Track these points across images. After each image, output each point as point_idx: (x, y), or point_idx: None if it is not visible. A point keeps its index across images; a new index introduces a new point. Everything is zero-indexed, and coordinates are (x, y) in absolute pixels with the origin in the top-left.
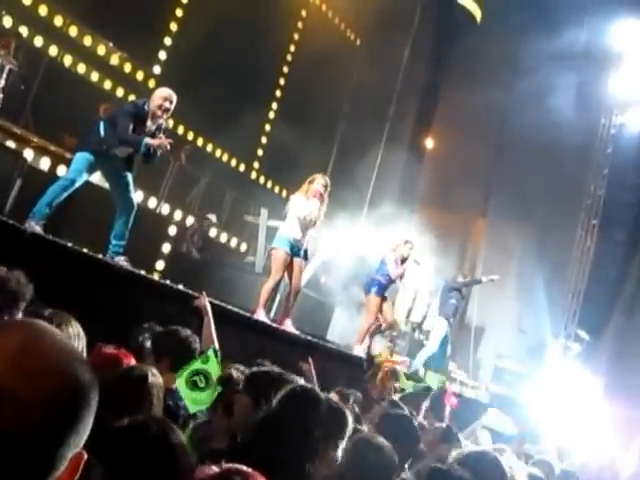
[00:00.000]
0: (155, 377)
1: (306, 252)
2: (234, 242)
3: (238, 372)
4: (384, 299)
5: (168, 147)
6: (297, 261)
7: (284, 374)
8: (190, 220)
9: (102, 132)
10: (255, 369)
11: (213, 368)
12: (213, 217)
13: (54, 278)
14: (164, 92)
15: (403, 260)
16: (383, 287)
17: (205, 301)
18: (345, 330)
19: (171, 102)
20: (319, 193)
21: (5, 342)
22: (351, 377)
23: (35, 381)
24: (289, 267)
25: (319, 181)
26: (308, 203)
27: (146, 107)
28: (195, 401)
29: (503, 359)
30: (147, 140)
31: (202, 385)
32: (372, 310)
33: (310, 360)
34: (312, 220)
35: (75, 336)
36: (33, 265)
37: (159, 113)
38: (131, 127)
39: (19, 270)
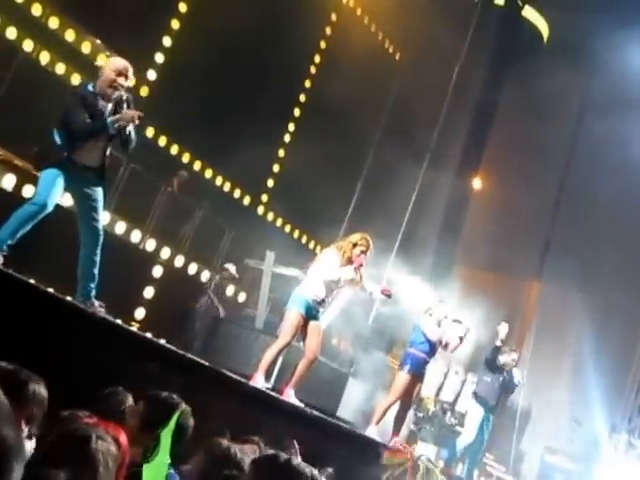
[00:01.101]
0: (105, 443)
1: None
2: (230, 290)
3: (234, 448)
4: (418, 378)
5: (137, 119)
6: (314, 324)
7: (295, 464)
8: (206, 274)
9: (58, 139)
10: (261, 455)
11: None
12: (232, 268)
13: (12, 322)
14: (116, 63)
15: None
16: (418, 363)
17: None
18: (360, 405)
19: (127, 77)
20: (359, 263)
21: None
22: (360, 463)
23: None
24: (304, 330)
25: (362, 247)
26: (342, 268)
27: (90, 88)
28: None
29: (553, 454)
30: (110, 119)
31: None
32: (397, 389)
33: (296, 446)
34: (341, 286)
35: (35, 397)
36: None
37: (110, 92)
38: (86, 117)
39: None
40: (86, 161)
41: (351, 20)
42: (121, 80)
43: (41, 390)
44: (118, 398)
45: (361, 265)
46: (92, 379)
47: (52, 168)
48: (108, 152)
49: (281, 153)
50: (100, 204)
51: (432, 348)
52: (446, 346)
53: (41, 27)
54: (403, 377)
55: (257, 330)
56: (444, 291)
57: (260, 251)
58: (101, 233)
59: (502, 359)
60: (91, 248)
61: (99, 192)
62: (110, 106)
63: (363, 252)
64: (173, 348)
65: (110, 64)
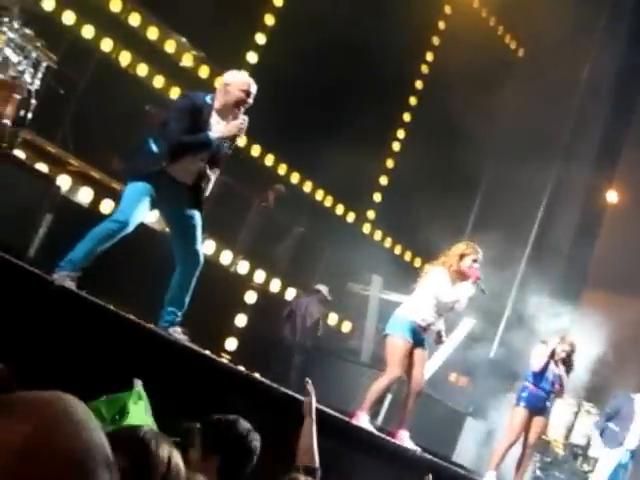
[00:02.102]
0: (171, 456)
1: (440, 334)
2: (333, 319)
3: None
4: (536, 414)
5: (243, 128)
6: (419, 352)
7: None
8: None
9: (154, 148)
10: None
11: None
12: (324, 289)
13: (85, 349)
14: (245, 81)
15: (557, 360)
16: (534, 397)
17: (312, 397)
18: (480, 448)
19: (250, 95)
20: (476, 276)
21: (17, 423)
22: None
23: (40, 473)
24: (410, 359)
25: (472, 255)
26: (459, 286)
27: (209, 100)
28: None
29: None
30: (214, 135)
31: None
32: (513, 427)
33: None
34: (453, 308)
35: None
36: (59, 330)
37: (235, 112)
38: (186, 128)
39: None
40: (180, 177)
41: (467, 13)
42: (248, 98)
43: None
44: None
45: (479, 278)
46: (172, 411)
47: (140, 181)
48: (205, 171)
49: (389, 164)
50: (198, 225)
51: (541, 380)
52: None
53: (120, 25)
54: (518, 413)
55: (362, 364)
56: (572, 314)
57: (366, 275)
58: (201, 259)
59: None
60: (187, 274)
61: (196, 213)
62: (223, 124)
63: (475, 261)
64: (263, 380)
65: (238, 81)
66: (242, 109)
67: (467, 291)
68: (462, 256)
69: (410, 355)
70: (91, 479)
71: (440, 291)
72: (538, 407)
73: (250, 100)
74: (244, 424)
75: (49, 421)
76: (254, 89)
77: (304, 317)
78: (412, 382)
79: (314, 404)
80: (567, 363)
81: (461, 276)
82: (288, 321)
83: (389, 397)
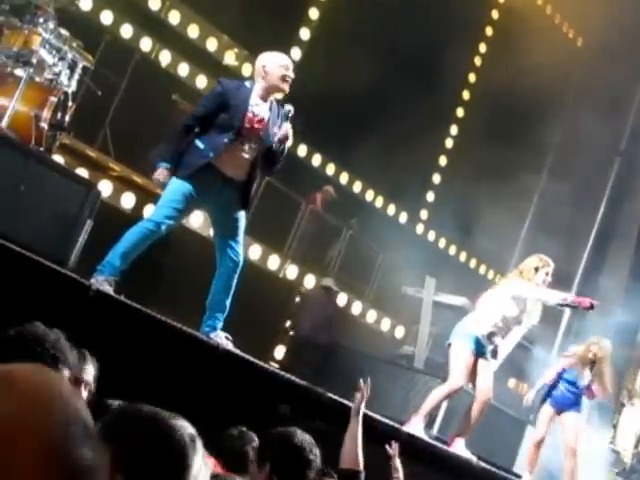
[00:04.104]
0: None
1: (496, 350)
2: (386, 324)
3: None
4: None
5: (289, 136)
6: (484, 362)
7: None
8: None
9: (199, 143)
10: None
11: None
12: (330, 282)
13: (123, 354)
14: (280, 58)
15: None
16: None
17: (363, 398)
18: (542, 459)
19: (290, 69)
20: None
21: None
22: None
23: (23, 450)
24: (473, 369)
25: (546, 268)
26: (526, 299)
27: (247, 85)
28: None
29: None
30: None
31: None
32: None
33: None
34: (521, 322)
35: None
36: (97, 334)
37: (283, 86)
38: (213, 112)
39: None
40: (230, 172)
41: (522, 1)
42: (291, 74)
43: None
44: (241, 439)
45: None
46: (215, 418)
47: (184, 179)
48: (256, 164)
49: (442, 161)
50: (242, 225)
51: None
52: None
53: (160, 23)
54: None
55: (416, 370)
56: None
57: (419, 277)
58: (241, 259)
59: None
60: (228, 276)
61: (241, 211)
62: (266, 108)
63: (547, 274)
64: (311, 387)
65: (274, 58)
66: (287, 86)
67: (541, 305)
68: (537, 269)
69: (474, 365)
70: (72, 454)
71: (513, 304)
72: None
73: (292, 74)
74: (302, 436)
75: (31, 398)
76: (292, 66)
77: (319, 315)
78: (478, 392)
79: (363, 406)
80: (594, 365)
81: None
82: (301, 319)
83: (445, 405)
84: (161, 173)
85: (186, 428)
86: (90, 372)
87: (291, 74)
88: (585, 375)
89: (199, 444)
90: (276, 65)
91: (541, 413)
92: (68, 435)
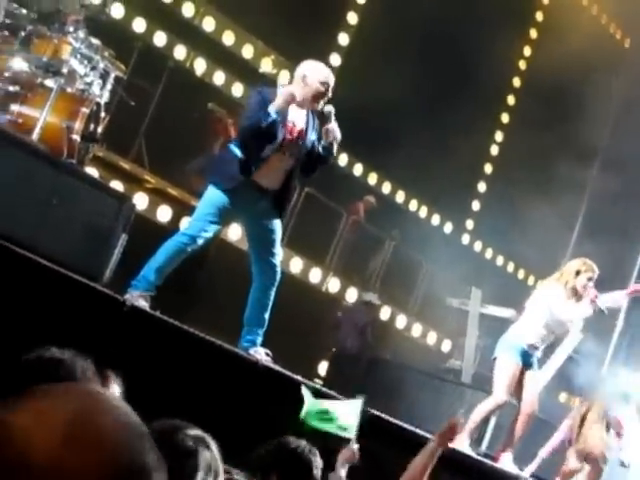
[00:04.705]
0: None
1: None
2: (432, 338)
3: None
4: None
5: (337, 134)
6: (530, 374)
7: None
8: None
9: (238, 152)
10: None
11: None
12: (372, 297)
13: (159, 371)
14: (324, 73)
15: None
16: None
17: (454, 431)
18: None
19: (329, 89)
20: (594, 295)
21: (57, 407)
22: None
23: (86, 454)
24: (519, 382)
25: (588, 273)
26: (567, 304)
27: None
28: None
29: None
30: (273, 110)
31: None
32: None
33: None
34: (567, 330)
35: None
36: (133, 352)
37: (314, 105)
38: (263, 119)
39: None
40: (267, 182)
41: (567, 2)
42: (325, 89)
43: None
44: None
45: (596, 296)
46: (252, 434)
47: (220, 190)
48: (294, 172)
49: (487, 169)
50: (278, 236)
51: None
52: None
53: (194, 30)
54: None
55: (463, 384)
56: None
57: (465, 288)
58: (278, 271)
59: None
60: (264, 289)
61: (277, 222)
62: (304, 116)
63: (590, 279)
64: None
65: (316, 72)
66: (322, 103)
67: (583, 311)
68: (578, 273)
69: (520, 378)
70: (139, 457)
71: (555, 309)
72: None
73: (329, 94)
74: (297, 441)
75: (90, 404)
76: (332, 82)
77: (354, 327)
78: (523, 404)
79: (452, 440)
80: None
81: (576, 294)
82: (337, 333)
83: (493, 420)
84: None
85: None
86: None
87: (329, 93)
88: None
89: None
90: (316, 80)
91: None
92: (134, 439)
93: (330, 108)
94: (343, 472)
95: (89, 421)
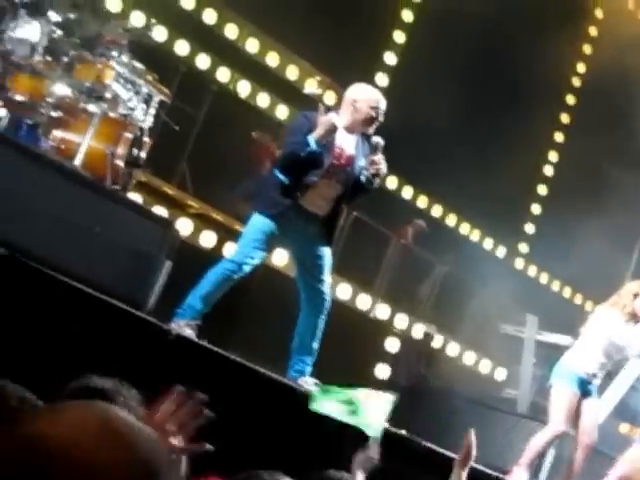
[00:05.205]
0: None
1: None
2: (486, 366)
3: None
4: None
5: (382, 167)
6: (589, 402)
7: None
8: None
9: (283, 177)
10: None
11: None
12: (432, 328)
13: (216, 402)
14: (375, 98)
15: None
16: None
17: (470, 448)
18: None
19: (380, 114)
20: None
21: (86, 416)
22: None
23: (115, 450)
24: (577, 411)
25: None
26: (625, 328)
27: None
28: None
29: None
30: (314, 136)
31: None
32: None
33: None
34: (626, 356)
35: None
36: (179, 381)
37: (364, 130)
38: (303, 148)
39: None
40: (314, 208)
41: (622, 16)
42: (375, 114)
43: None
44: None
45: None
46: (298, 465)
47: (265, 215)
48: (341, 198)
49: (542, 190)
50: (327, 263)
51: None
52: None
53: (237, 52)
54: None
55: (519, 415)
56: None
57: (519, 314)
58: (327, 299)
59: None
60: (313, 317)
61: (325, 249)
62: (353, 141)
63: None
64: (399, 432)
65: (366, 97)
66: (373, 127)
67: (637, 333)
68: (636, 295)
69: (577, 407)
70: (155, 455)
71: (612, 334)
72: None
73: (381, 119)
74: (339, 474)
75: (110, 413)
76: (384, 106)
77: (411, 358)
78: (581, 434)
79: (472, 458)
80: None
81: (635, 318)
82: (396, 366)
83: (552, 452)
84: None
85: None
86: None
87: (381, 118)
88: None
89: None
90: (367, 104)
91: None
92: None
93: (379, 139)
94: (361, 478)
95: (114, 425)
